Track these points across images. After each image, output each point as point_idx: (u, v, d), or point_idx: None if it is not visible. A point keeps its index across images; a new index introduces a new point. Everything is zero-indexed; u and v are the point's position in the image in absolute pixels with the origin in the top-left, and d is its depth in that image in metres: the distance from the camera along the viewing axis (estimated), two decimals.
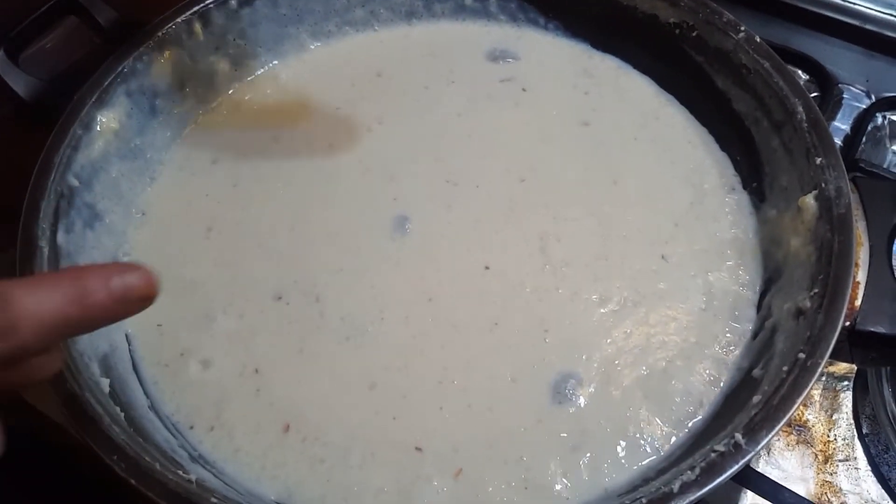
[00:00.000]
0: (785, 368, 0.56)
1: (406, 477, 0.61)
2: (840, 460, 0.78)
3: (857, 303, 0.60)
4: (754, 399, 0.56)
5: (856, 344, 0.60)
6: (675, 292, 0.70)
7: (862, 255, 0.63)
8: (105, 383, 0.61)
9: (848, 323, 0.59)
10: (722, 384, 0.64)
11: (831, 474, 0.77)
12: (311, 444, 0.62)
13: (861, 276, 0.61)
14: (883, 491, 0.75)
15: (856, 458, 0.78)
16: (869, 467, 0.77)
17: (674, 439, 0.62)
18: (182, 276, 0.72)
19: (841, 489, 0.76)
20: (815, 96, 1.01)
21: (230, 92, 0.86)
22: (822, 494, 0.76)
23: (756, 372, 0.62)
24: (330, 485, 0.61)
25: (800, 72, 1.03)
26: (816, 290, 0.60)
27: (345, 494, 0.60)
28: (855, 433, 0.79)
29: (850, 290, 0.58)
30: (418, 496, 0.60)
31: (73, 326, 0.42)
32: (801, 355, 0.56)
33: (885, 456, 0.76)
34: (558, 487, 0.60)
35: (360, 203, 0.76)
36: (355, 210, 0.75)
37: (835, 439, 0.79)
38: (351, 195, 0.76)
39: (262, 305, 0.70)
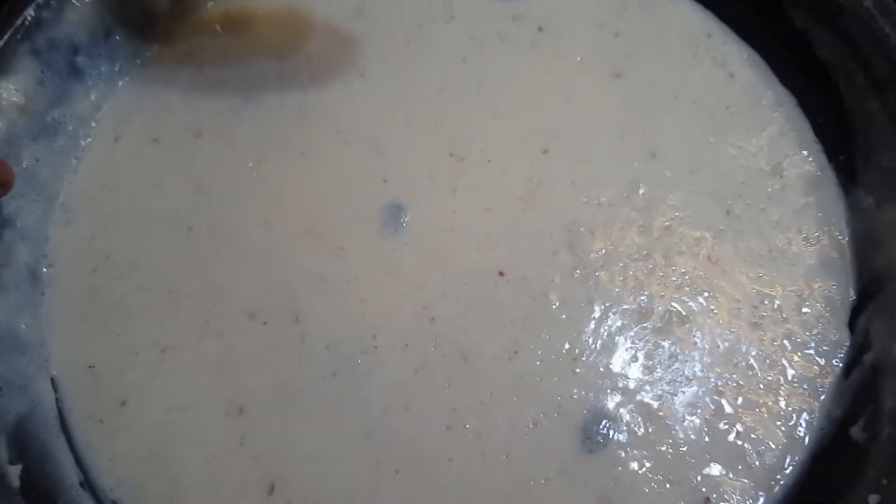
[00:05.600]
0: None
1: None
2: None
3: None
4: (871, 499, 0.43)
5: None
6: (729, 304, 0.57)
7: None
8: (15, 472, 0.48)
9: None
10: (807, 440, 0.51)
11: None
12: None
13: None
14: None
15: None
16: None
17: None
18: (122, 292, 0.58)
19: None
20: None
21: (171, 35, 0.67)
22: None
23: (856, 433, 0.49)
24: None
25: None
26: None
27: None
28: None
29: None
30: None
31: None
32: None
33: None
34: None
35: (341, 188, 0.61)
36: (336, 197, 0.61)
37: None
38: (330, 177, 0.61)
39: (236, 327, 0.57)
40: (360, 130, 0.63)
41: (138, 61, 0.66)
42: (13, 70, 0.58)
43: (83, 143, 0.63)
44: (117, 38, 0.65)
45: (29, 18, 0.58)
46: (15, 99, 0.58)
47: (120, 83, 0.66)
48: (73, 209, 0.61)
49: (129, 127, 0.64)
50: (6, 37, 0.57)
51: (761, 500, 0.50)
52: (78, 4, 0.61)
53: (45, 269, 0.59)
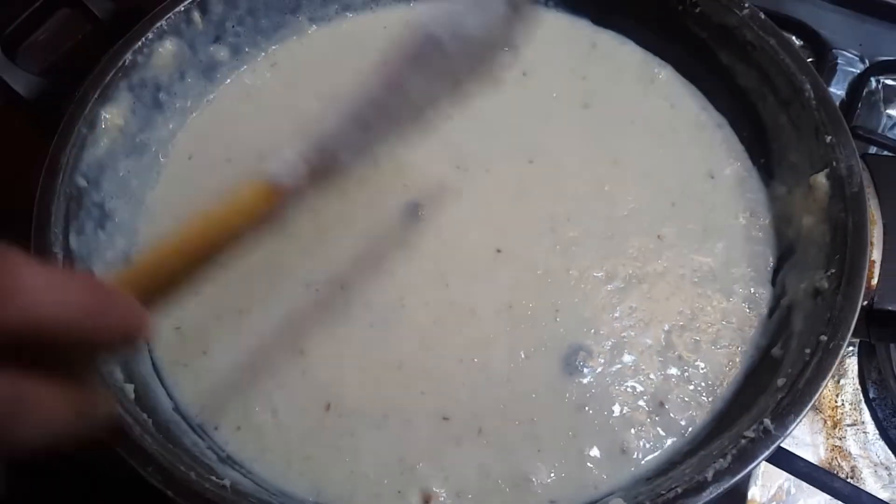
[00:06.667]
0: (808, 351, 0.58)
1: (438, 442, 0.63)
2: (848, 425, 0.80)
3: (874, 282, 0.61)
4: (779, 382, 0.57)
5: (874, 323, 0.61)
6: (675, 270, 0.71)
7: (876, 234, 0.64)
8: (130, 389, 0.61)
9: (866, 302, 0.60)
10: (740, 363, 0.66)
11: (840, 439, 0.79)
12: (348, 420, 0.64)
13: (876, 254, 0.63)
14: (891, 454, 0.77)
15: (863, 422, 0.80)
16: (877, 431, 0.79)
17: (697, 420, 0.63)
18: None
19: (850, 453, 0.78)
20: (809, 62, 1.01)
21: (230, 80, 0.85)
22: (832, 459, 0.78)
23: (775, 351, 0.63)
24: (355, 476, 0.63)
25: (793, 38, 1.03)
26: (833, 271, 0.61)
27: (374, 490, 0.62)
28: (862, 398, 0.81)
29: (866, 270, 0.59)
30: (448, 458, 0.63)
31: (65, 324, 0.36)
32: (823, 337, 0.58)
33: (893, 419, 0.78)
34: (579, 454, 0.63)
35: (370, 191, 0.75)
36: (367, 198, 0.75)
37: (842, 404, 0.81)
38: (362, 184, 0.74)
39: (295, 294, 0.70)
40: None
41: (205, 100, 0.83)
42: (115, 100, 0.73)
43: (162, 161, 0.79)
44: (189, 80, 0.81)
45: (128, 61, 0.74)
46: (117, 122, 0.74)
47: (191, 116, 0.82)
48: (155, 211, 0.76)
49: (199, 149, 0.80)
50: (112, 73, 0.73)
51: (704, 401, 0.64)
52: (162, 52, 0.78)
53: (136, 255, 0.73)
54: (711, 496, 0.51)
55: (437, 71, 0.57)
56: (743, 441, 0.54)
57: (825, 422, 0.79)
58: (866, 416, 0.80)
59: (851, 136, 0.67)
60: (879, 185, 0.66)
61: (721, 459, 0.53)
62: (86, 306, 0.37)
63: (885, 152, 0.87)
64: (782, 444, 0.70)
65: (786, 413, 0.55)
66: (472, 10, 0.55)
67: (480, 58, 0.60)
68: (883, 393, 0.79)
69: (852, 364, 0.83)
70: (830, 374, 0.56)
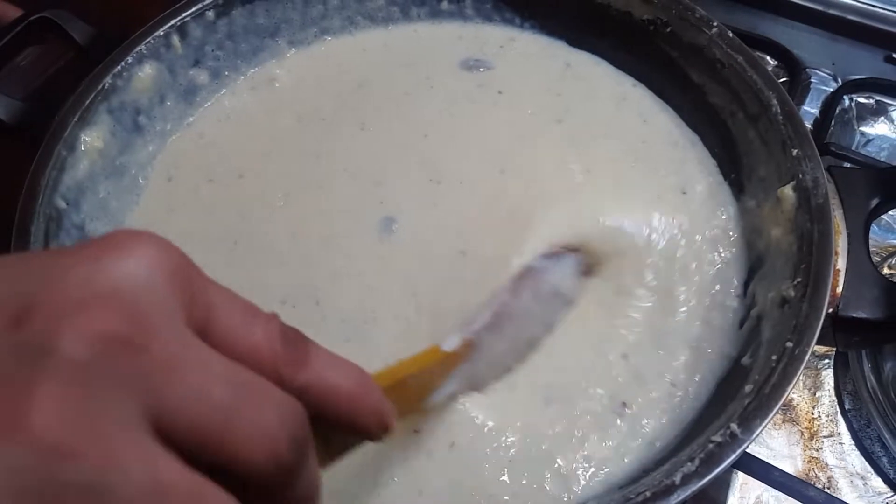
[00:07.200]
0: (774, 357, 0.58)
1: (410, 455, 0.63)
2: (825, 436, 0.81)
3: (839, 290, 0.63)
4: (746, 388, 0.58)
5: (839, 329, 0.62)
6: None
7: (841, 243, 0.65)
8: None
9: (831, 310, 0.61)
10: (712, 373, 0.66)
11: (817, 450, 0.80)
12: None
13: (841, 263, 0.64)
14: (867, 464, 0.78)
15: (839, 433, 0.81)
16: (853, 442, 0.80)
17: (669, 430, 0.64)
18: None
19: (827, 464, 0.79)
20: (783, 81, 1.03)
21: (210, 103, 0.86)
22: (809, 470, 0.79)
23: (745, 360, 0.64)
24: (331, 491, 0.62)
25: (768, 57, 1.06)
26: (799, 280, 0.62)
27: None
28: (838, 409, 0.82)
29: (831, 279, 0.61)
30: (421, 474, 0.62)
31: (335, 410, 0.39)
32: (789, 344, 0.58)
33: (868, 430, 0.79)
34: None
35: (348, 208, 0.77)
36: (345, 215, 0.76)
37: (819, 416, 0.81)
38: (340, 201, 0.78)
39: (272, 310, 0.67)
40: (362, 168, 0.79)
41: (185, 123, 0.84)
42: (95, 123, 0.75)
43: (142, 183, 0.80)
44: (169, 103, 0.83)
45: (107, 84, 0.76)
46: (96, 144, 0.75)
47: (171, 139, 0.83)
48: None
49: (178, 171, 0.81)
50: (91, 97, 0.74)
51: (678, 403, 0.65)
52: (142, 76, 0.79)
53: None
54: (679, 499, 0.52)
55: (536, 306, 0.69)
56: (710, 446, 0.54)
57: (802, 433, 0.80)
58: (842, 427, 0.81)
59: (817, 149, 0.68)
60: (843, 196, 0.68)
61: (689, 463, 0.54)
62: (354, 388, 0.41)
63: None
64: (760, 456, 0.72)
65: (752, 417, 0.55)
66: (557, 267, 0.70)
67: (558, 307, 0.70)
68: (857, 404, 0.80)
69: (828, 376, 0.84)
70: (796, 379, 0.56)
